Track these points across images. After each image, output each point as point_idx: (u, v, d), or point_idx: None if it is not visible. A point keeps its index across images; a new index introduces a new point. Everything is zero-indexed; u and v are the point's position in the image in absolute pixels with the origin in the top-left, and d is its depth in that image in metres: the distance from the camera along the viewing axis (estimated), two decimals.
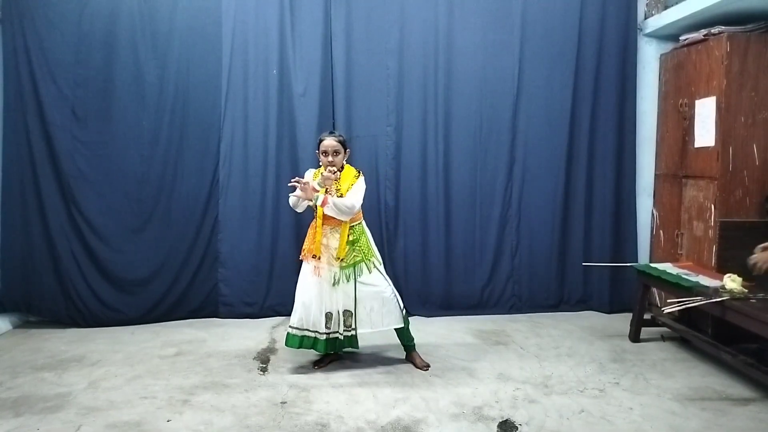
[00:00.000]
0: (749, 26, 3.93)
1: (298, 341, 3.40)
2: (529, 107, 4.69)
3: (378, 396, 3.12)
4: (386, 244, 4.63)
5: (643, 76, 4.79)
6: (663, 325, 4.03)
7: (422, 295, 4.70)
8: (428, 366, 3.53)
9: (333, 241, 3.36)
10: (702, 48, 4.10)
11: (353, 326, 3.39)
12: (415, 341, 3.63)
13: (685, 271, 3.80)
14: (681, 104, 4.34)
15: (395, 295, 3.45)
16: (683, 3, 4.21)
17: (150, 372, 3.46)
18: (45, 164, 4.25)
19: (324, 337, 3.38)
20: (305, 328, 3.39)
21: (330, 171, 3.32)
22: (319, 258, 3.34)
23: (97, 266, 4.35)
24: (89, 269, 4.33)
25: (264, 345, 3.94)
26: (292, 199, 3.38)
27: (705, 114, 4.05)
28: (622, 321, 4.35)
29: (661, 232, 4.64)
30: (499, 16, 4.62)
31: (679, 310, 3.29)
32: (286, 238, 4.59)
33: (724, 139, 3.89)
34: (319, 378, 3.36)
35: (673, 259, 4.29)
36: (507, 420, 2.84)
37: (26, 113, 4.21)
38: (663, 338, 4.06)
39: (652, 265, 4.11)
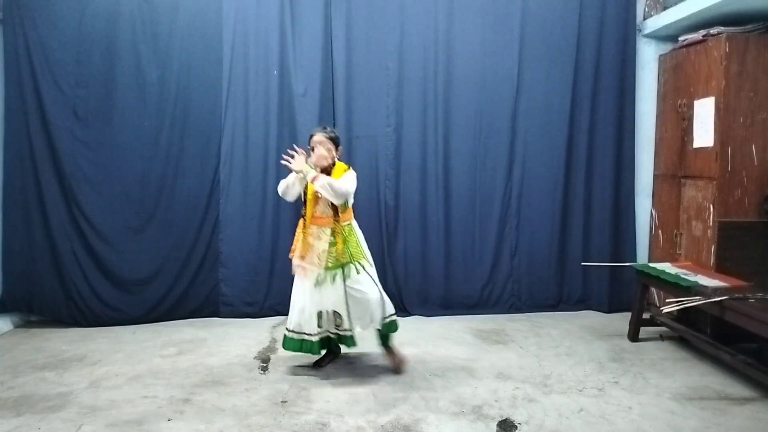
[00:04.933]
0: (748, 27, 3.94)
1: (297, 345, 3.37)
2: (528, 107, 4.70)
3: (378, 395, 3.13)
4: (386, 244, 4.64)
5: (642, 76, 4.80)
6: (662, 324, 4.04)
7: (422, 294, 4.72)
8: (401, 368, 3.44)
9: (320, 242, 3.29)
10: (701, 48, 4.12)
11: (347, 327, 3.38)
12: (391, 342, 3.49)
13: (684, 270, 3.81)
14: (680, 105, 4.35)
15: (381, 299, 3.33)
16: (682, 4, 4.22)
17: (151, 371, 3.47)
18: (46, 164, 4.26)
19: (316, 338, 3.36)
20: (302, 331, 3.36)
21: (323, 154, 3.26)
22: (304, 258, 3.30)
23: (98, 266, 4.36)
24: (90, 269, 4.35)
25: (264, 344, 3.95)
26: (281, 185, 3.32)
27: (704, 114, 4.06)
28: (621, 320, 4.36)
29: (660, 232, 4.65)
30: (499, 17, 4.64)
31: (677, 310, 3.31)
32: (287, 238, 4.56)
33: (723, 140, 3.90)
34: (319, 377, 3.37)
35: (672, 259, 4.30)
36: (506, 419, 2.85)
37: (27, 113, 4.22)
38: (662, 338, 4.07)
39: (651, 264, 4.12)
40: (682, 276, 3.63)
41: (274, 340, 4.04)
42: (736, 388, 3.24)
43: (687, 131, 4.26)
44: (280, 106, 4.54)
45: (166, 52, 4.38)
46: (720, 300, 3.15)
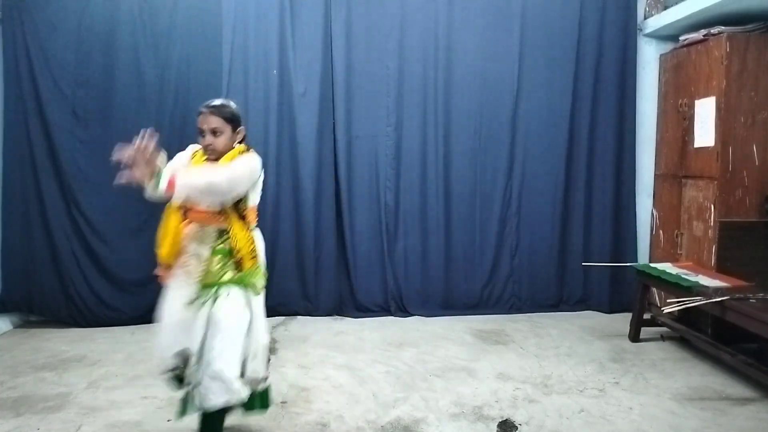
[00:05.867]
0: (749, 26, 3.93)
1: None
2: (529, 107, 4.70)
3: (378, 396, 3.12)
4: (386, 244, 4.64)
5: (643, 76, 4.79)
6: (662, 324, 4.03)
7: (422, 295, 4.71)
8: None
9: (200, 247, 2.33)
10: (702, 48, 4.11)
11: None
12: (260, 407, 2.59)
13: (685, 270, 3.80)
14: (681, 104, 4.35)
15: (227, 374, 2.25)
16: (683, 3, 4.21)
17: (150, 372, 3.44)
18: (45, 164, 4.26)
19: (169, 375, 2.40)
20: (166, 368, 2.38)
21: (144, 146, 2.11)
22: (170, 265, 2.35)
23: (97, 266, 4.36)
24: (90, 269, 4.34)
25: None
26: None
27: (705, 114, 4.06)
28: (622, 321, 4.35)
29: (661, 232, 4.64)
30: (499, 16, 4.63)
31: (678, 310, 3.30)
32: (286, 238, 4.60)
33: (724, 139, 3.90)
34: (319, 378, 3.37)
35: (673, 259, 4.29)
36: (507, 420, 2.84)
37: (27, 113, 4.22)
38: (662, 338, 4.06)
39: (652, 264, 4.12)
40: (683, 276, 3.62)
41: (273, 341, 4.03)
42: (736, 388, 3.24)
43: (688, 131, 4.25)
44: (280, 106, 4.53)
45: (166, 52, 4.38)
46: (721, 300, 3.15)
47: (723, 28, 3.95)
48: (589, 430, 2.75)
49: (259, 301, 2.43)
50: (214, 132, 2.38)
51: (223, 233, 2.35)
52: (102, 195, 4.34)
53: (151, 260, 4.34)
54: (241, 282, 2.36)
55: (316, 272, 4.63)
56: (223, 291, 2.32)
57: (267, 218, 4.56)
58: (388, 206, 4.66)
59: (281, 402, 3.02)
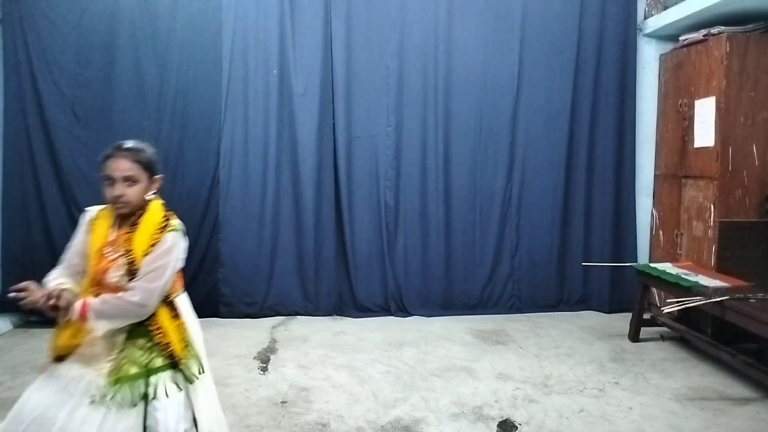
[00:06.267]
0: (749, 26, 3.93)
1: None
2: (529, 107, 4.70)
3: (378, 396, 3.12)
4: (386, 244, 4.64)
5: (643, 76, 4.79)
6: (662, 324, 4.03)
7: (422, 295, 4.71)
8: None
9: (118, 333, 1.85)
10: (702, 48, 4.11)
11: None
12: None
13: (685, 270, 3.80)
14: (681, 104, 4.35)
15: None
16: (683, 3, 4.21)
17: None
18: (45, 164, 4.27)
19: None
20: None
21: (58, 296, 1.77)
22: (62, 356, 1.85)
23: None
24: None
25: (264, 345, 3.95)
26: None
27: (704, 114, 4.06)
28: (622, 321, 4.35)
29: (661, 232, 4.64)
30: (499, 17, 4.63)
31: (678, 310, 3.30)
32: (287, 238, 4.60)
33: (724, 139, 3.90)
34: (319, 378, 3.37)
35: (673, 259, 4.30)
36: (507, 419, 2.84)
37: (27, 113, 4.23)
38: (662, 338, 4.06)
39: (652, 265, 4.12)
40: (683, 276, 3.62)
41: (273, 341, 4.04)
42: (736, 388, 3.24)
43: (688, 131, 4.26)
44: (280, 106, 4.53)
45: (166, 52, 4.38)
46: (721, 300, 3.15)
47: (723, 28, 3.95)
48: (589, 430, 2.75)
49: (206, 385, 2.02)
50: (129, 180, 1.96)
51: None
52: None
53: None
54: (177, 367, 1.89)
55: (316, 272, 4.64)
56: (160, 388, 1.83)
57: (267, 218, 4.58)
58: (388, 206, 4.66)
59: (281, 402, 3.03)
